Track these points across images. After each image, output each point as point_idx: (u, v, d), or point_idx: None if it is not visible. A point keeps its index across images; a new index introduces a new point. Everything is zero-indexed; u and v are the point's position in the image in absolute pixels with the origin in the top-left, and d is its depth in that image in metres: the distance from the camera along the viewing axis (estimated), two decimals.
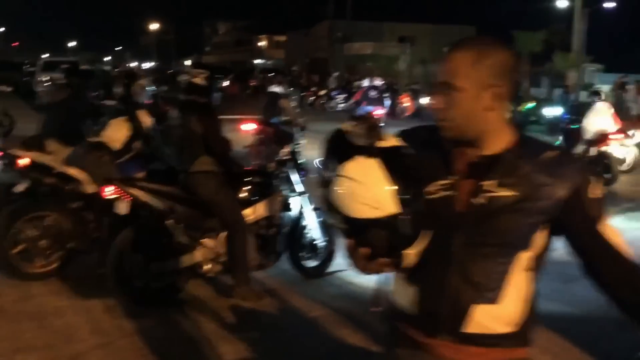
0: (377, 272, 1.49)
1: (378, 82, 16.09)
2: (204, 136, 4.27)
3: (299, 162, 4.91)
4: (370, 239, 1.42)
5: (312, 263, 5.04)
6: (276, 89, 10.88)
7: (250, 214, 4.55)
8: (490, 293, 1.48)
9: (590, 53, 24.90)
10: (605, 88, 19.45)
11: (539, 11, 28.11)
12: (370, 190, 1.37)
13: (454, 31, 42.18)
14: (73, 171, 4.76)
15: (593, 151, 9.78)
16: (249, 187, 4.63)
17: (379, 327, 4.02)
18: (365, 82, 16.44)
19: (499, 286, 1.48)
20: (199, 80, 4.40)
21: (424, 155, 1.52)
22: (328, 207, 1.47)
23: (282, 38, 54.05)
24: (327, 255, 5.06)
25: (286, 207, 4.84)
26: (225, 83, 28.65)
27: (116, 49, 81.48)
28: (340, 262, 5.25)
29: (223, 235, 4.40)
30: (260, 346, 3.82)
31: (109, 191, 4.26)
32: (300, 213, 4.90)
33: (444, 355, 1.53)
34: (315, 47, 44.98)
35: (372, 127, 1.46)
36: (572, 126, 10.72)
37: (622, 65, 35.19)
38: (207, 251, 4.40)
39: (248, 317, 4.24)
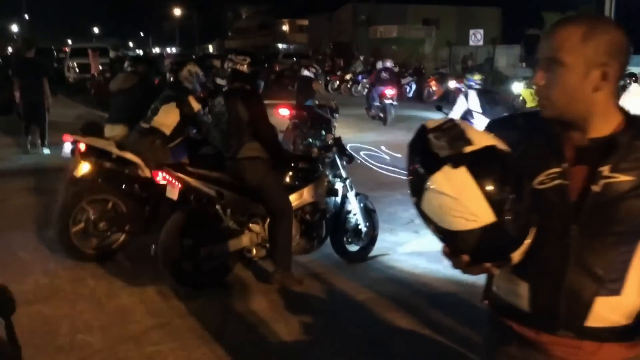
0: (481, 273, 1.44)
1: (389, 64, 16.29)
2: (250, 122, 4.32)
3: (343, 147, 4.95)
4: (470, 247, 1.35)
5: (354, 247, 5.11)
6: (307, 72, 10.92)
7: (296, 199, 4.60)
8: (613, 284, 1.42)
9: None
10: (635, 70, 19.10)
11: None
12: (462, 203, 1.30)
13: (480, 13, 41.66)
14: (129, 155, 4.93)
15: None
16: (295, 172, 4.70)
17: (425, 310, 4.10)
18: (379, 65, 16.49)
19: (621, 277, 1.41)
20: (243, 68, 4.45)
21: (526, 145, 1.45)
22: (421, 216, 1.41)
23: (305, 22, 53.81)
24: (370, 240, 5.14)
25: (331, 192, 4.89)
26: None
27: (140, 34, 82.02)
28: (381, 247, 5.34)
29: (269, 220, 4.49)
30: (312, 327, 3.91)
31: (160, 177, 4.38)
32: (344, 198, 4.95)
33: (560, 352, 1.48)
34: (338, 31, 44.72)
35: (455, 136, 1.34)
36: None
37: None
38: (253, 236, 4.48)
39: (296, 299, 4.32)
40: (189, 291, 4.34)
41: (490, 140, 1.36)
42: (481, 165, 1.30)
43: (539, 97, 1.45)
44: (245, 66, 4.45)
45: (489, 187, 1.29)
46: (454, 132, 1.35)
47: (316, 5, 50.06)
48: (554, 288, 1.45)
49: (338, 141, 4.94)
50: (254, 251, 4.51)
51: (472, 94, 8.17)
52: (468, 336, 3.76)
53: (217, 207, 4.38)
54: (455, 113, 8.21)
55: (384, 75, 14.76)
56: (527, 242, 1.38)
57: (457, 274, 4.92)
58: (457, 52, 29.42)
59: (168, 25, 64.40)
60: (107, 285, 4.52)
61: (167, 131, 5.11)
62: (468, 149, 1.31)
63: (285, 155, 4.71)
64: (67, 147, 5.05)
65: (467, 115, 8.10)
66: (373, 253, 5.20)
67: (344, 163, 4.94)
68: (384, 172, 8.82)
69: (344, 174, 4.92)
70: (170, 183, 4.36)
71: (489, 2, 44.42)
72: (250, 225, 4.48)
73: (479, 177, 1.29)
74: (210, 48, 65.64)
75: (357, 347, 3.68)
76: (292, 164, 4.72)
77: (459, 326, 3.91)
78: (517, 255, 1.40)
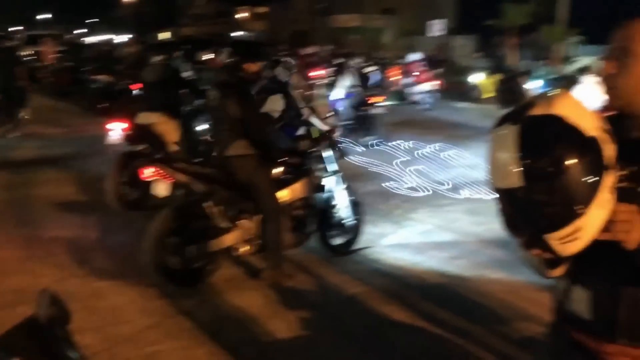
0: (534, 264, 1.45)
1: (313, 49, 18.69)
2: (242, 120, 4.27)
3: (335, 141, 4.95)
4: (506, 212, 1.35)
5: (338, 241, 5.12)
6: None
7: (287, 195, 4.61)
8: None
9: (574, 25, 25.01)
10: (587, 60, 19.66)
11: None
12: (501, 159, 1.30)
13: (437, 3, 42.04)
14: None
15: None
16: (286, 168, 4.69)
17: (418, 304, 4.16)
18: (309, 50, 18.38)
19: None
20: (253, 68, 4.43)
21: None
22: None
23: (265, 9, 53.17)
24: (355, 233, 5.16)
25: (320, 188, 4.90)
26: (208, 56, 28.38)
27: (89, 21, 79.41)
28: (364, 239, 5.36)
29: (258, 217, 4.45)
30: (309, 323, 3.91)
31: (151, 172, 4.26)
32: (331, 192, 4.96)
33: None
34: (297, 19, 44.46)
35: (534, 101, 1.33)
36: None
37: (604, 37, 35.56)
38: (242, 233, 4.44)
39: (290, 294, 4.31)
40: (178, 289, 4.26)
41: (566, 111, 1.28)
42: (532, 128, 1.28)
43: (607, 87, 1.43)
44: (254, 66, 4.44)
45: (527, 152, 1.26)
46: (544, 97, 1.33)
47: None
48: (613, 296, 1.43)
49: (329, 135, 4.92)
50: (243, 248, 4.48)
51: None
52: (463, 327, 3.84)
53: (207, 204, 4.31)
54: None
55: (312, 59, 15.76)
56: (570, 230, 1.30)
57: (442, 265, 4.99)
58: (416, 41, 29.66)
59: (121, 11, 62.72)
60: (91, 283, 4.41)
61: (275, 115, 6.30)
62: (531, 112, 1.30)
63: (275, 151, 4.65)
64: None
65: None
66: (356, 246, 5.23)
67: (336, 156, 4.94)
68: (358, 163, 8.85)
69: (334, 167, 4.94)
70: (163, 178, 4.27)
71: None
72: (240, 222, 4.44)
73: (523, 138, 1.27)
74: (165, 35, 64.27)
75: (356, 341, 3.70)
76: (282, 160, 4.69)
77: (454, 317, 3.98)
78: (560, 245, 1.32)
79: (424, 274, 4.77)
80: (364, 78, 16.36)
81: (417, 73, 17.12)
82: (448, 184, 7.58)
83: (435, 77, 16.85)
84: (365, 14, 35.78)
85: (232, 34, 48.19)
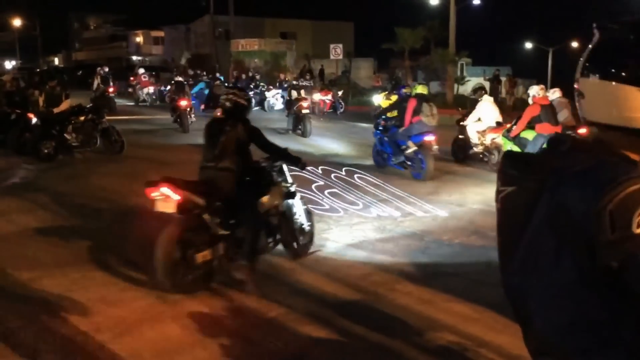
0: None
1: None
2: (246, 142, 5.08)
3: (292, 156, 5.50)
4: None
5: (300, 243, 5.64)
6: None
7: (262, 204, 5.17)
8: None
9: (461, 48, 26.68)
10: (475, 80, 21.03)
11: (416, 8, 29.60)
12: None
13: (333, 27, 43.35)
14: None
15: (488, 141, 10.67)
16: (259, 180, 5.28)
17: (335, 322, 4.23)
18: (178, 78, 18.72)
19: None
20: (242, 101, 5.25)
21: None
22: None
23: (160, 33, 52.30)
24: (310, 237, 5.74)
25: (289, 195, 5.51)
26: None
27: None
28: (279, 260, 5.41)
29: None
30: (231, 349, 3.87)
31: (156, 193, 4.68)
32: (291, 201, 5.56)
33: None
34: (196, 43, 44.09)
35: None
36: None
37: (487, 59, 38.14)
38: (229, 241, 4.92)
39: (208, 322, 4.26)
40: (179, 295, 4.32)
41: None
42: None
43: None
44: (244, 100, 5.27)
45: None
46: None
47: (171, 17, 49.05)
48: None
49: (285, 151, 5.45)
50: (236, 254, 4.94)
51: None
52: (381, 341, 3.95)
53: (206, 216, 4.79)
54: None
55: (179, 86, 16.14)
56: None
57: (356, 282, 5.10)
58: (314, 65, 30.31)
59: (6, 36, 59.25)
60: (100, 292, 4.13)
61: None
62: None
63: (252, 166, 5.24)
64: None
65: None
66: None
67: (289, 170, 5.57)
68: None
69: (289, 180, 5.51)
70: (167, 198, 4.65)
71: (342, 16, 46.44)
72: (236, 230, 4.96)
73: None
74: (57, 60, 61.54)
75: None
76: (255, 174, 5.27)
77: (370, 332, 4.09)
78: None
79: (340, 292, 4.87)
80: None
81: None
82: (359, 204, 7.78)
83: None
84: (265, 38, 36.19)
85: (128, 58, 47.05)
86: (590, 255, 1.22)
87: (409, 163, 9.84)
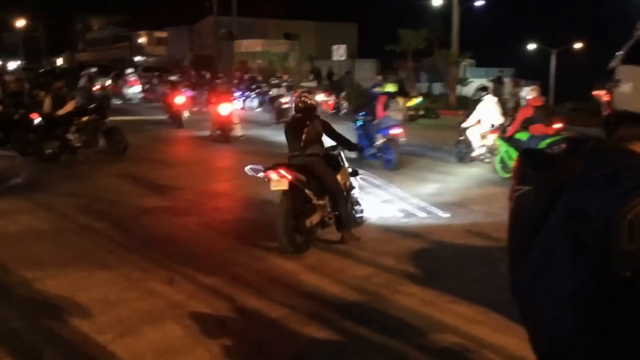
0: None
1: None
2: (322, 134, 6.25)
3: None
4: None
5: (357, 215, 6.61)
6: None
7: (340, 180, 6.28)
8: None
9: (464, 49, 26.61)
10: (478, 81, 20.97)
11: (419, 9, 29.57)
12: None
13: (337, 28, 43.28)
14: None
15: (489, 142, 10.66)
16: (333, 163, 6.40)
17: (338, 323, 4.22)
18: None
19: None
20: (312, 101, 6.38)
21: None
22: None
23: (164, 34, 52.30)
24: (362, 209, 6.73)
25: (354, 172, 6.67)
26: (108, 82, 27.66)
27: None
28: (282, 262, 5.40)
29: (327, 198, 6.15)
30: (233, 351, 3.86)
31: (276, 175, 5.74)
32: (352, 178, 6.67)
33: None
34: (199, 44, 44.11)
35: None
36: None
37: (490, 60, 38.09)
38: (324, 210, 6.09)
39: (211, 323, 4.25)
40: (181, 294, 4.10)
41: None
42: None
43: None
44: (313, 100, 6.39)
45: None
46: None
47: (175, 18, 48.95)
48: None
49: (348, 140, 6.60)
50: (325, 221, 6.15)
51: None
52: (383, 342, 3.94)
53: (307, 191, 5.91)
54: None
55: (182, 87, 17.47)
56: None
57: (360, 283, 5.06)
58: (315, 65, 30.30)
59: (10, 37, 59.30)
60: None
61: None
62: None
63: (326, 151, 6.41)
64: None
65: None
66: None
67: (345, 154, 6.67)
68: None
69: (346, 162, 6.61)
70: (284, 177, 5.72)
71: (345, 17, 46.33)
72: (322, 202, 6.06)
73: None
74: (60, 61, 61.62)
75: None
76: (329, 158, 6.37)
77: (373, 334, 4.08)
78: None
79: (343, 293, 4.86)
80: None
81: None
82: (361, 206, 7.75)
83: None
84: (268, 39, 36.18)
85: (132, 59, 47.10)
86: (606, 262, 1.19)
87: (379, 154, 10.60)
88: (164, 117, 17.51)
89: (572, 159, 1.33)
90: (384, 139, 10.51)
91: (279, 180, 5.76)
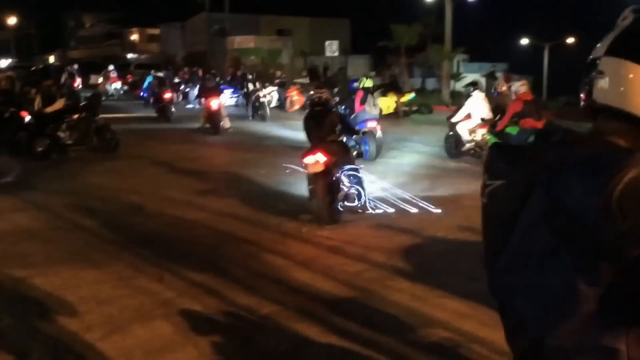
0: None
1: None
2: (337, 124, 7.45)
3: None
4: None
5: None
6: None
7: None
8: None
9: (458, 44, 26.62)
10: (471, 77, 21.00)
11: (412, 4, 29.52)
12: None
13: (330, 24, 43.20)
14: None
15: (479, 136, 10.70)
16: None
17: (328, 319, 4.22)
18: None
19: None
20: (327, 96, 7.73)
21: None
22: None
23: (156, 31, 52.06)
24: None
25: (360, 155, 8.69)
26: (100, 80, 27.62)
27: None
28: (272, 258, 5.39)
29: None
30: (222, 348, 3.85)
31: (318, 157, 6.75)
32: None
33: None
34: (192, 41, 43.96)
35: None
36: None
37: (483, 55, 38.10)
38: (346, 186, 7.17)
39: (200, 320, 4.23)
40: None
41: None
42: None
43: None
44: (328, 95, 7.82)
45: None
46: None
47: (167, 15, 48.76)
48: None
49: (353, 127, 7.98)
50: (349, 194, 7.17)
51: None
52: (373, 338, 3.93)
53: (334, 170, 6.89)
54: None
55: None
56: None
57: (350, 279, 5.06)
58: (312, 62, 30.28)
59: (1, 35, 58.95)
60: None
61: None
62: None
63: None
64: None
65: None
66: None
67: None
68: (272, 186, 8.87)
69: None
70: (318, 162, 6.71)
71: (338, 13, 46.27)
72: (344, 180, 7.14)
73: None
74: (52, 59, 61.34)
75: None
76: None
77: (362, 329, 4.07)
78: None
79: (333, 289, 4.85)
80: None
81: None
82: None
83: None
84: (260, 35, 36.09)
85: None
86: (593, 253, 1.15)
87: (357, 146, 10.98)
88: (152, 113, 17.94)
89: (541, 151, 1.29)
90: (361, 132, 10.88)
91: (316, 163, 6.76)
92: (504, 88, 12.57)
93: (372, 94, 11.46)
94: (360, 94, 11.27)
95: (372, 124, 10.99)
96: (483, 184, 1.39)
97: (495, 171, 1.36)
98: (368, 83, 11.78)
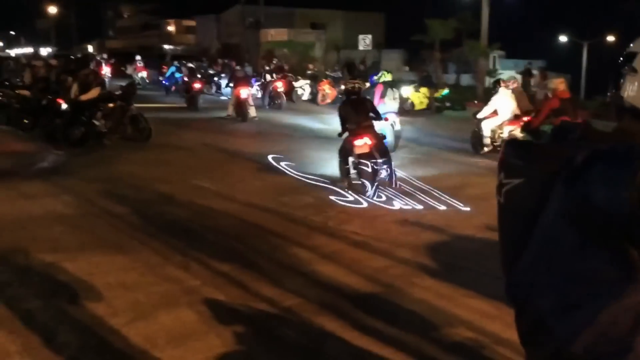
0: None
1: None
2: (369, 110, 8.44)
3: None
4: None
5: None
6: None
7: None
8: None
9: (494, 40, 26.17)
10: (507, 73, 20.62)
11: None
12: None
13: (365, 18, 43.00)
14: None
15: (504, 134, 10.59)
16: None
17: (351, 314, 4.19)
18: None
19: None
20: (360, 85, 8.90)
21: None
22: None
23: (192, 23, 52.61)
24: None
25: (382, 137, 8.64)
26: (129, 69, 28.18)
27: (9, 33, 75.92)
28: (297, 251, 5.37)
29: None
30: (245, 338, 3.87)
31: (366, 140, 7.82)
32: None
33: None
34: (227, 33, 44.25)
35: None
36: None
37: (520, 51, 37.43)
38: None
39: (224, 309, 4.26)
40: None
41: None
42: None
43: None
44: (361, 84, 9.08)
45: None
46: None
47: (203, 6, 49.19)
48: None
49: (379, 113, 8.91)
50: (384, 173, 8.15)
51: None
52: (396, 335, 3.90)
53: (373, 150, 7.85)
54: None
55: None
56: None
57: (375, 275, 5.01)
58: (345, 55, 30.16)
59: (42, 23, 60.26)
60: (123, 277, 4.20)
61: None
62: None
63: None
64: None
65: None
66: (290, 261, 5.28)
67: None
68: (301, 177, 8.89)
69: None
70: (366, 143, 7.76)
71: (373, 7, 46.01)
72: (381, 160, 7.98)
73: None
74: (90, 48, 62.49)
75: (291, 354, 3.69)
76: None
77: (386, 326, 4.04)
78: None
79: (357, 284, 4.83)
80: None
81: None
82: (382, 197, 7.71)
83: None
84: (294, 28, 36.10)
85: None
86: (624, 246, 1.10)
87: None
88: (180, 103, 18.78)
89: (561, 147, 1.24)
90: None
91: (364, 145, 7.75)
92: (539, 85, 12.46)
93: (392, 87, 11.58)
94: (380, 87, 11.39)
95: (391, 117, 11.13)
96: (499, 183, 1.35)
97: (512, 169, 1.32)
98: (388, 77, 11.94)
